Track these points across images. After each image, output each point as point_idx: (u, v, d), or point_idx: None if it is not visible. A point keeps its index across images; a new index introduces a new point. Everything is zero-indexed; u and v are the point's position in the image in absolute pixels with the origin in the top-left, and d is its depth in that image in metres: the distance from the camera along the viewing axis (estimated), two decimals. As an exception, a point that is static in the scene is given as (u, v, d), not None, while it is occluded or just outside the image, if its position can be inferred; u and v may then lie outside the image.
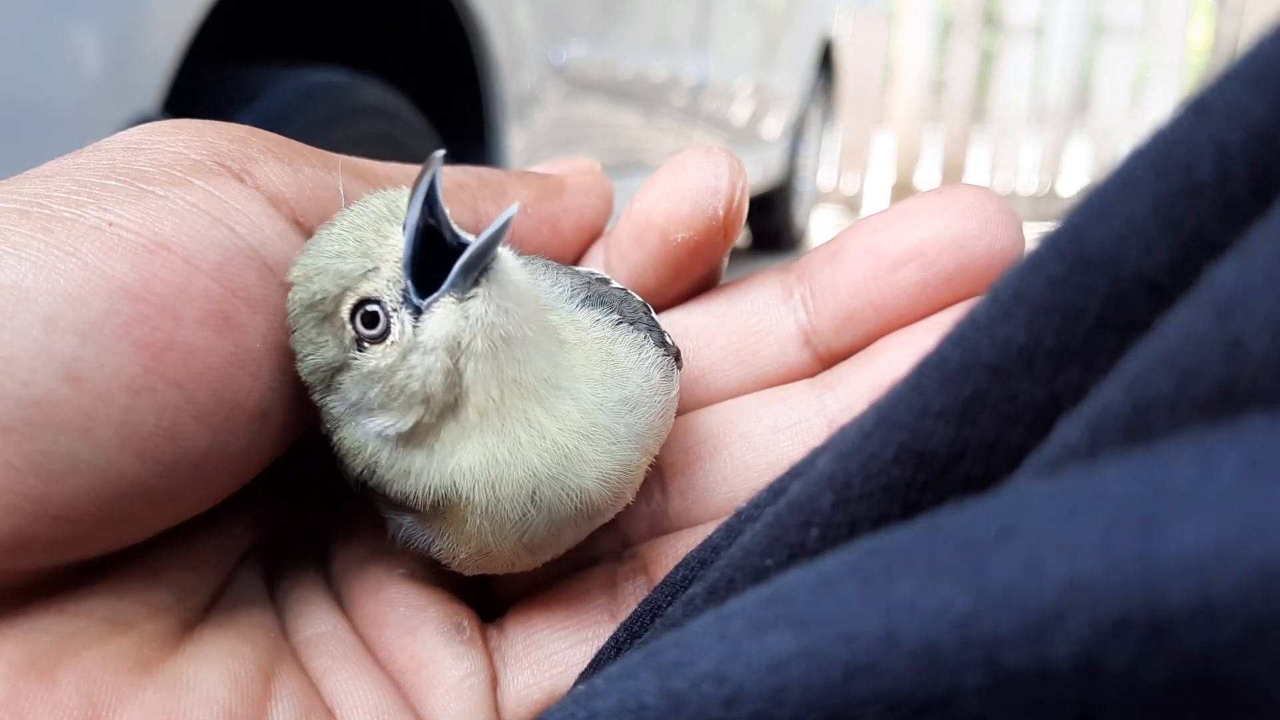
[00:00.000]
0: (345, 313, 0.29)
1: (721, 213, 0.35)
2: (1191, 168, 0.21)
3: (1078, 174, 5.12)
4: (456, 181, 0.36)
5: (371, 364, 0.29)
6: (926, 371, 0.24)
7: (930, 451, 0.23)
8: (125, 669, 0.28)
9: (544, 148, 1.74)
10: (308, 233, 0.31)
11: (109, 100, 0.94)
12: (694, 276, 0.37)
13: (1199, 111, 0.21)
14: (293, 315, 0.30)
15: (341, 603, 0.35)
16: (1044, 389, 0.22)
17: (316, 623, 0.34)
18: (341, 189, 0.32)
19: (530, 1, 1.62)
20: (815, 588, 0.19)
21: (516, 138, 1.61)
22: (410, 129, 1.31)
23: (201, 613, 0.32)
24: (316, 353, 0.30)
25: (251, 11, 1.26)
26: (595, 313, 0.33)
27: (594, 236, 0.40)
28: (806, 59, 3.91)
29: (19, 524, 0.26)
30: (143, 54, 0.98)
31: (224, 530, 0.34)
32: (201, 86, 1.10)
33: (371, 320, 0.29)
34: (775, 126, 3.63)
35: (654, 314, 0.35)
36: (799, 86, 3.85)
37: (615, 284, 0.35)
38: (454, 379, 0.29)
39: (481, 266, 0.28)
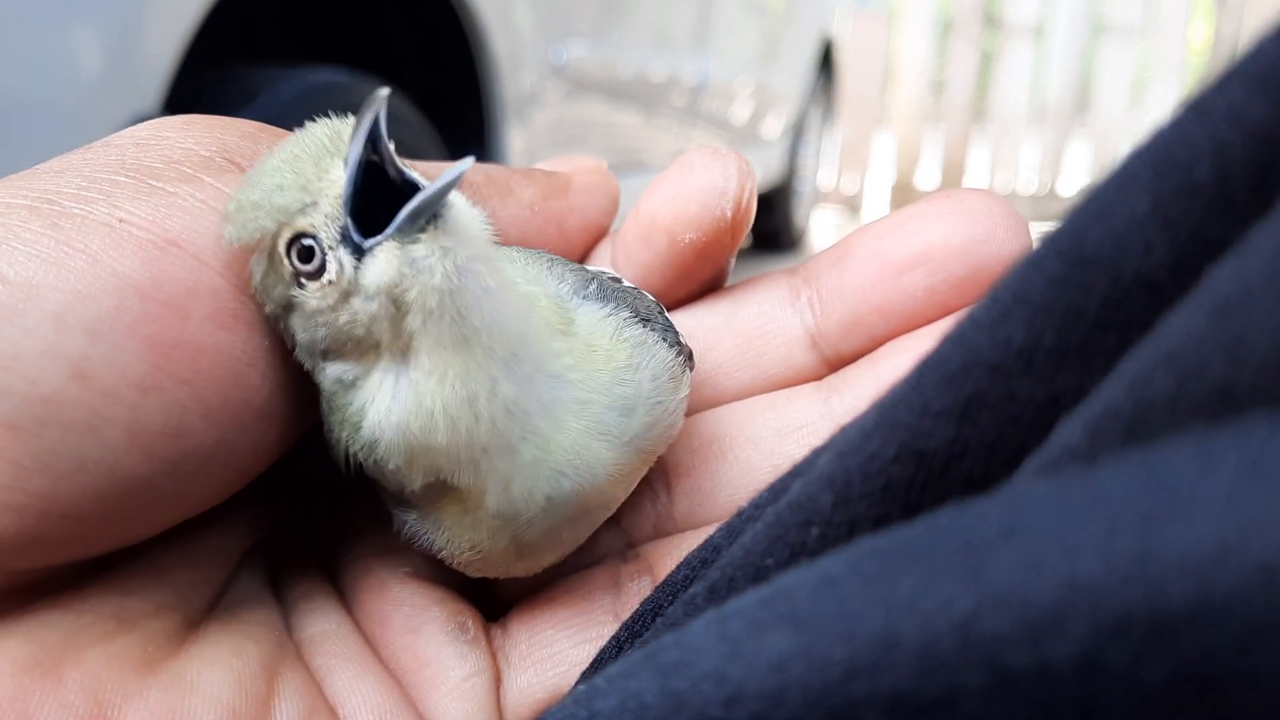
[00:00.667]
0: (281, 247, 0.28)
1: (729, 214, 0.34)
2: (1191, 168, 0.21)
3: (1078, 174, 5.12)
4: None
5: (313, 303, 0.28)
6: (927, 371, 0.24)
7: (930, 451, 0.23)
8: (130, 667, 0.28)
9: (544, 147, 1.74)
10: None
11: (109, 100, 0.94)
12: (701, 278, 0.37)
13: (1199, 111, 0.21)
14: (246, 251, 0.28)
15: (345, 601, 0.35)
16: (1044, 389, 0.22)
17: (320, 621, 0.34)
18: None
19: (530, 1, 1.62)
20: (815, 588, 0.19)
21: (516, 137, 1.61)
22: (410, 129, 1.31)
23: (205, 611, 0.32)
24: (269, 302, 0.29)
25: (251, 12, 1.26)
26: (603, 308, 0.32)
27: (599, 235, 0.40)
28: (806, 59, 3.91)
29: (26, 522, 0.26)
30: (143, 54, 0.98)
31: (227, 528, 0.34)
32: (201, 86, 1.10)
33: (307, 255, 0.28)
34: (775, 126, 3.63)
35: (667, 314, 0.35)
36: (799, 86, 3.85)
37: (627, 283, 0.35)
38: (399, 328, 0.28)
39: (430, 214, 0.27)
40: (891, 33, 5.07)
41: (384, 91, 0.27)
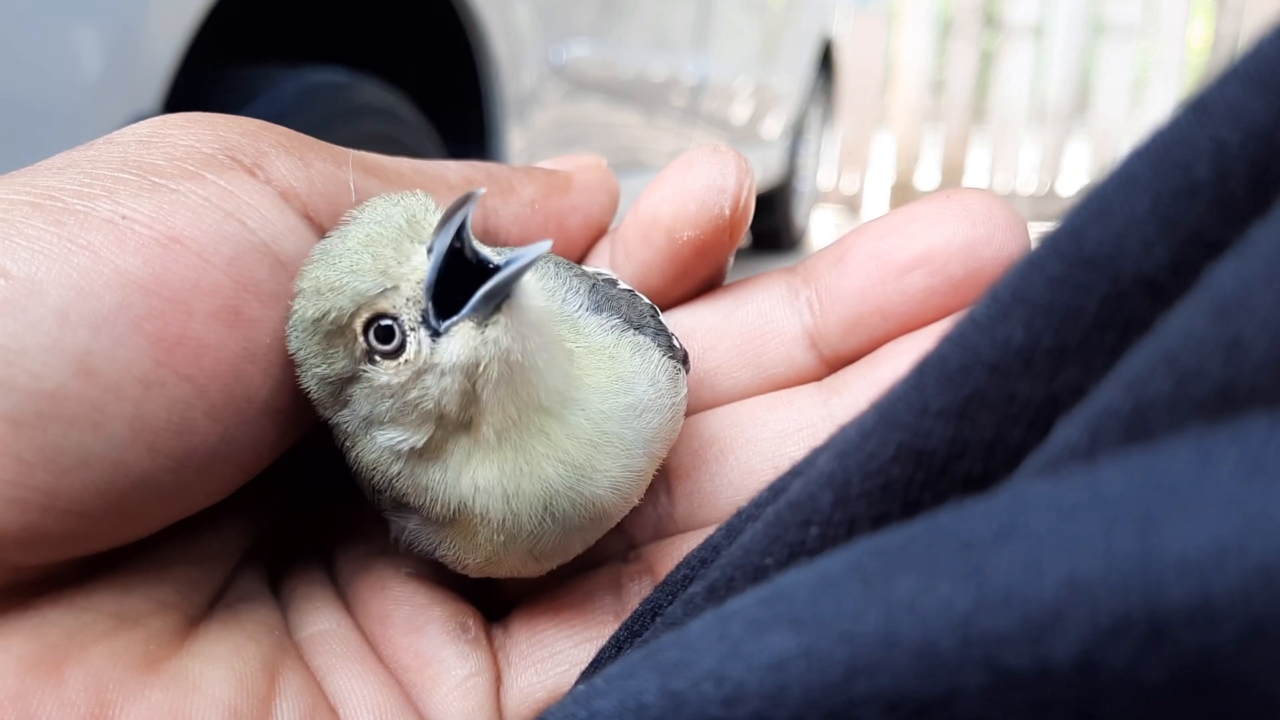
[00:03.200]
0: (359, 326, 0.29)
1: (728, 212, 0.34)
2: (1191, 167, 0.21)
3: (1077, 174, 5.12)
4: (465, 177, 0.36)
5: (384, 379, 0.29)
6: (926, 371, 0.24)
7: (929, 450, 0.23)
8: (132, 665, 0.28)
9: (544, 147, 1.74)
10: (319, 228, 0.31)
11: (109, 100, 0.94)
12: (700, 276, 0.37)
13: (1199, 111, 0.21)
14: (298, 327, 0.29)
15: (345, 600, 0.35)
16: (1043, 388, 0.22)
17: (320, 620, 0.34)
18: (352, 184, 0.32)
19: (530, 1, 1.62)
20: (815, 587, 0.19)
21: (516, 137, 1.61)
22: (410, 129, 1.31)
23: (206, 609, 0.32)
24: (325, 365, 0.29)
25: (251, 11, 1.26)
26: (601, 318, 0.33)
27: (600, 233, 0.40)
28: (806, 59, 3.91)
29: (29, 518, 0.26)
30: (143, 54, 0.98)
31: (227, 526, 0.34)
32: (201, 86, 1.10)
33: (386, 335, 0.29)
34: (775, 126, 3.63)
35: (661, 317, 0.35)
36: (799, 86, 3.85)
37: (623, 285, 0.35)
38: (470, 400, 0.29)
39: (503, 295, 0.28)
40: (891, 33, 5.07)
41: (480, 191, 0.28)
